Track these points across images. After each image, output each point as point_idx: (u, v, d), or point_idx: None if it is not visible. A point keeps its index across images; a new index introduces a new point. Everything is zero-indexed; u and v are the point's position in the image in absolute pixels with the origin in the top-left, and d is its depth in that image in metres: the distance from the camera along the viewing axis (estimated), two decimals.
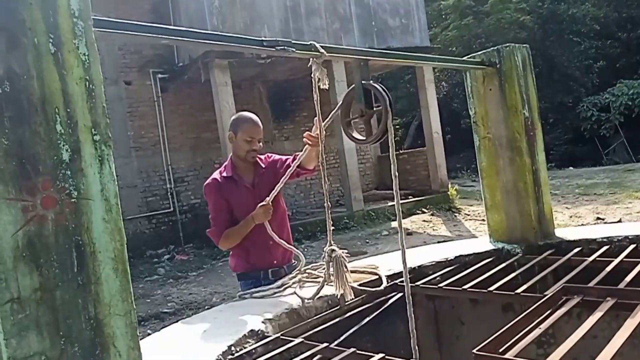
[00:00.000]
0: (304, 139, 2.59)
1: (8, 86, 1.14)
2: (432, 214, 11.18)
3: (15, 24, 1.16)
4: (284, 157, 2.92)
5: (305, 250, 9.01)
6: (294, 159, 2.74)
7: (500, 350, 1.69)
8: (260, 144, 2.85)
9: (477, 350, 1.61)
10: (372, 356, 1.81)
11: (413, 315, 2.01)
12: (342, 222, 10.61)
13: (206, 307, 6.45)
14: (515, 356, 1.63)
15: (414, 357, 1.94)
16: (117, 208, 1.27)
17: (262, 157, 2.93)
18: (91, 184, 1.23)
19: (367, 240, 9.47)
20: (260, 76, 11.85)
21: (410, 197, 11.93)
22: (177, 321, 4.36)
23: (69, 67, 1.22)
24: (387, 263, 2.93)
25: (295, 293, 2.50)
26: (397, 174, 2.01)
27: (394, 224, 10.28)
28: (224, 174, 2.83)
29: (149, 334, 4.54)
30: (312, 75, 2.06)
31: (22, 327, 1.12)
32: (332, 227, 2.34)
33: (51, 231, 1.17)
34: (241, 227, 2.76)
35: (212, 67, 10.03)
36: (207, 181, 2.84)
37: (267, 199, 2.69)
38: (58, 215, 1.18)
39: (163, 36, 1.51)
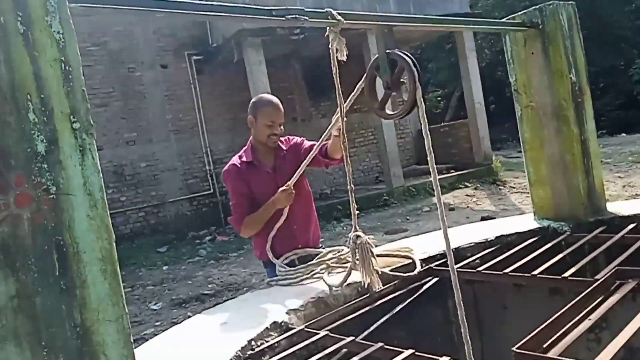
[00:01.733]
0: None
1: None
2: (475, 188, 10.83)
3: None
4: (307, 143, 2.77)
5: (345, 228, 8.88)
6: (317, 146, 2.61)
7: (545, 346, 1.51)
8: (282, 127, 2.70)
9: (517, 348, 1.44)
10: (400, 352, 1.66)
11: (458, 304, 1.84)
12: (381, 199, 10.41)
13: (245, 289, 6.44)
14: (561, 354, 1.45)
15: (467, 355, 1.77)
16: (103, 203, 1.15)
17: (283, 139, 2.79)
18: (72, 177, 1.11)
19: (408, 217, 9.25)
20: (294, 53, 11.64)
21: (452, 171, 11.56)
22: (217, 303, 4.31)
23: (41, 47, 1.09)
24: (421, 245, 2.75)
25: (322, 280, 2.36)
26: (432, 149, 1.82)
27: (436, 199, 9.99)
28: (244, 159, 2.70)
29: (190, 317, 4.54)
30: (330, 46, 1.89)
31: None
32: (358, 210, 2.18)
33: (27, 232, 1.06)
34: (262, 213, 2.64)
35: (245, 46, 9.91)
36: (226, 167, 2.72)
37: (289, 182, 2.57)
38: (35, 214, 1.07)
39: (153, 9, 1.37)
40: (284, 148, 2.74)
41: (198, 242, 10.12)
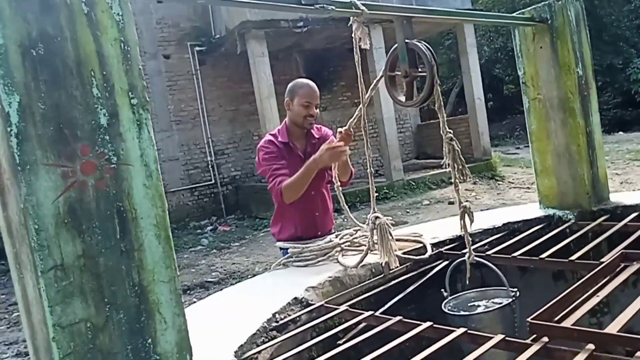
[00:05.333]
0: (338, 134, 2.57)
1: (42, 48, 1.10)
2: (474, 183, 10.94)
3: None
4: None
5: (345, 220, 8.97)
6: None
7: (556, 319, 1.61)
8: (317, 110, 2.76)
9: (532, 319, 1.54)
10: (419, 324, 1.76)
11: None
12: (381, 192, 10.49)
13: (249, 276, 6.53)
14: (572, 325, 1.55)
15: None
16: (157, 174, 1.24)
17: (315, 127, 2.85)
18: (130, 149, 1.20)
19: (408, 210, 9.36)
20: (297, 46, 11.70)
21: None
22: (221, 290, 4.41)
23: (103, 27, 1.18)
24: (431, 231, 2.85)
25: (337, 261, 2.46)
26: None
27: (435, 193, 10.12)
28: (280, 139, 2.75)
29: (195, 302, 4.62)
30: (353, 35, 1.98)
31: (66, 294, 1.11)
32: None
33: (92, 197, 1.15)
34: (302, 174, 2.53)
35: (248, 38, 9.95)
36: (262, 143, 2.73)
37: (340, 130, 2.53)
38: (98, 181, 1.16)
39: None
40: (317, 136, 2.79)
41: (199, 232, 10.20)
